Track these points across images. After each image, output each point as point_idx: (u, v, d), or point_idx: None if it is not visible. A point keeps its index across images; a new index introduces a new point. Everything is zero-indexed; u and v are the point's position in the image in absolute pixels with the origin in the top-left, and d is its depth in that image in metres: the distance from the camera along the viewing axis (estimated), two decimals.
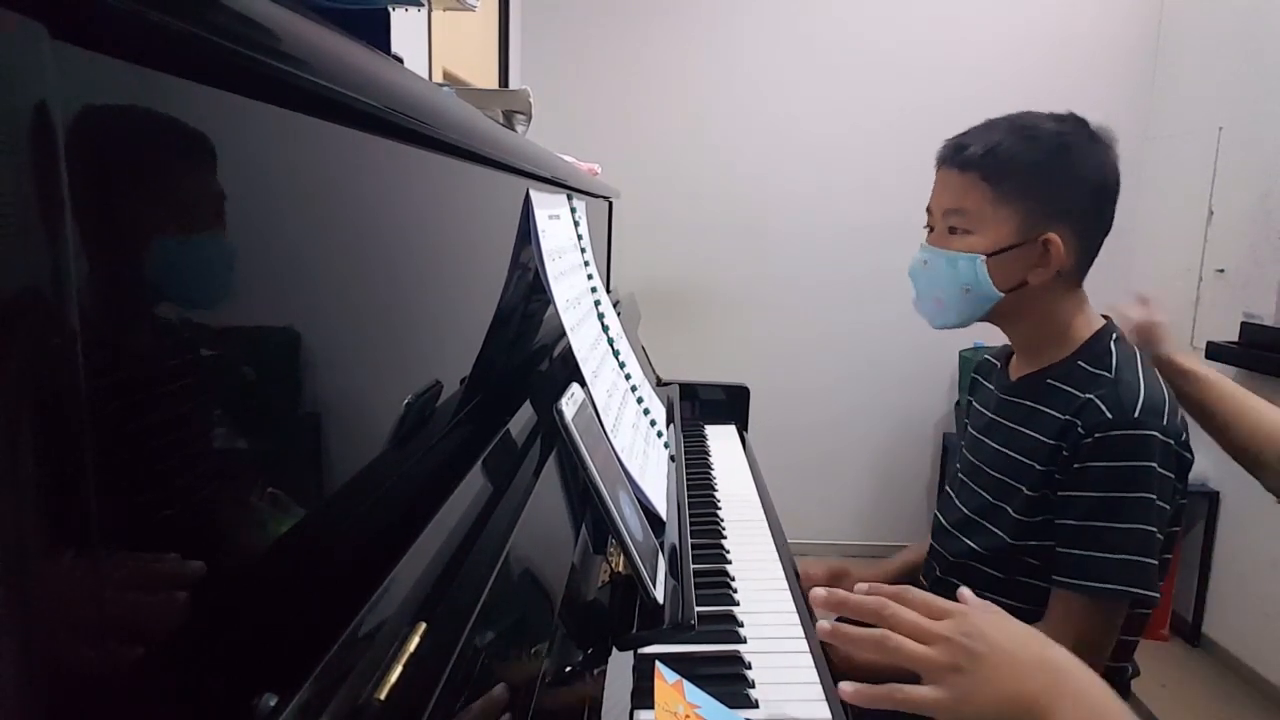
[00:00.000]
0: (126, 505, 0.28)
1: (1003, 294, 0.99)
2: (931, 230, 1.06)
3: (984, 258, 0.98)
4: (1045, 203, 0.97)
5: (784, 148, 2.89)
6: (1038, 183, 0.96)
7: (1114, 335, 1.01)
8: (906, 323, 2.89)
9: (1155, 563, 0.91)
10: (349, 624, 0.39)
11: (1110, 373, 0.96)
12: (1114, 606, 0.93)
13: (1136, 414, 0.91)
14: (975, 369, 1.26)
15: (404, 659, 0.40)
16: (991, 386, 1.16)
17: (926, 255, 1.04)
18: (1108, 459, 0.92)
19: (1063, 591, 0.93)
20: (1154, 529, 0.90)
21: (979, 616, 0.67)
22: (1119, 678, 1.02)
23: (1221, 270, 2.48)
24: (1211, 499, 2.46)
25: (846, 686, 0.67)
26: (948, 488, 1.20)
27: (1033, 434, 1.00)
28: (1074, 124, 1.00)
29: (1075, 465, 0.93)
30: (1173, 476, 0.93)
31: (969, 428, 1.19)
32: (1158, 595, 0.91)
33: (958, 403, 2.82)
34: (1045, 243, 0.97)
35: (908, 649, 0.65)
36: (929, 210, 1.06)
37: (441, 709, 0.42)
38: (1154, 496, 0.90)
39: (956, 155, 1.00)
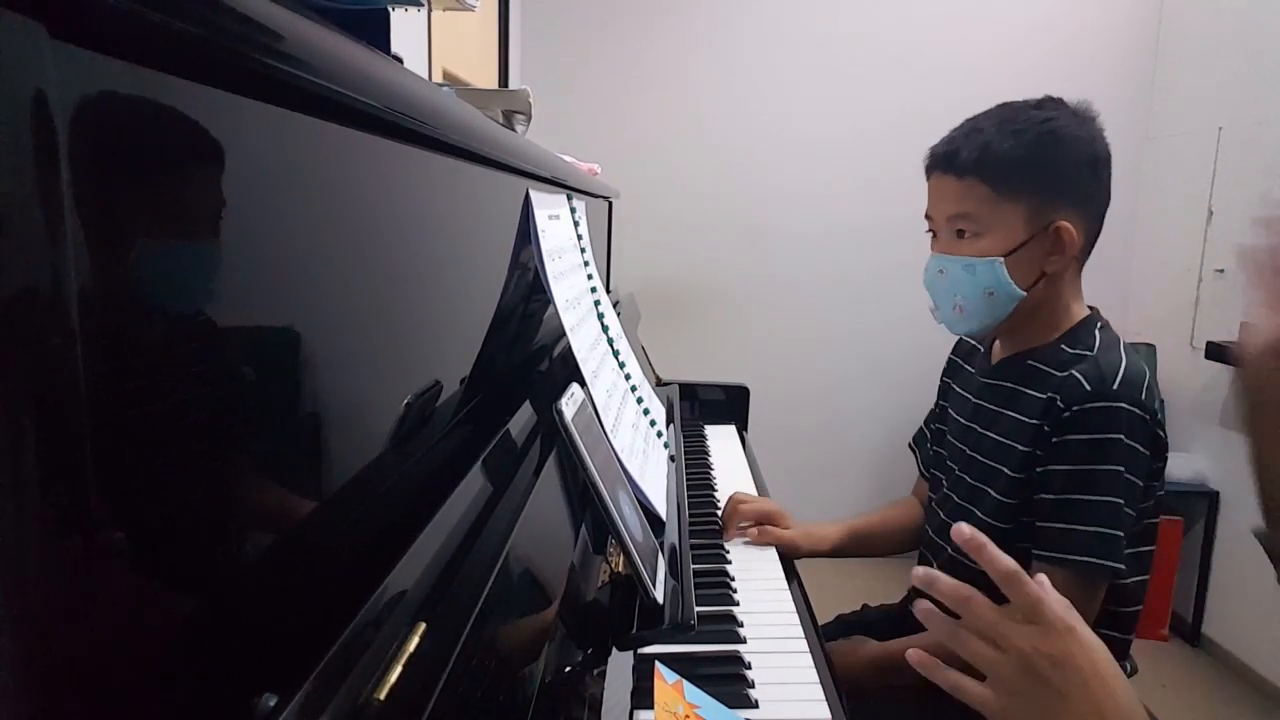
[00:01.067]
0: (126, 505, 0.28)
1: (1025, 292, 0.99)
2: (935, 236, 1.05)
3: (1002, 259, 0.98)
4: (1047, 191, 0.97)
5: (784, 147, 2.89)
6: (1035, 173, 0.96)
7: (1099, 323, 1.02)
8: (906, 323, 2.92)
9: (1122, 535, 0.91)
10: (349, 624, 0.39)
11: (1091, 351, 0.96)
12: (1094, 581, 0.93)
13: (1115, 386, 0.92)
14: (954, 349, 1.25)
15: (404, 659, 0.40)
16: (972, 370, 1.15)
17: (941, 264, 1.03)
18: (1083, 431, 0.92)
19: (1044, 566, 0.93)
20: (1121, 501, 0.91)
21: (1076, 644, 0.58)
22: None
23: (1221, 270, 2.48)
24: (1211, 499, 2.46)
25: (913, 654, 0.64)
26: (935, 471, 1.20)
27: (1015, 415, 1.00)
28: (1053, 106, 1.00)
29: (1054, 440, 0.94)
30: (1147, 453, 0.93)
31: (949, 411, 1.18)
32: (1124, 568, 0.91)
33: None
34: (1057, 230, 0.97)
35: (973, 648, 0.61)
36: (929, 217, 1.05)
37: (441, 709, 0.42)
38: (1122, 469, 0.91)
39: (950, 162, 1.00)
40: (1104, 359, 0.95)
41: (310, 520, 0.42)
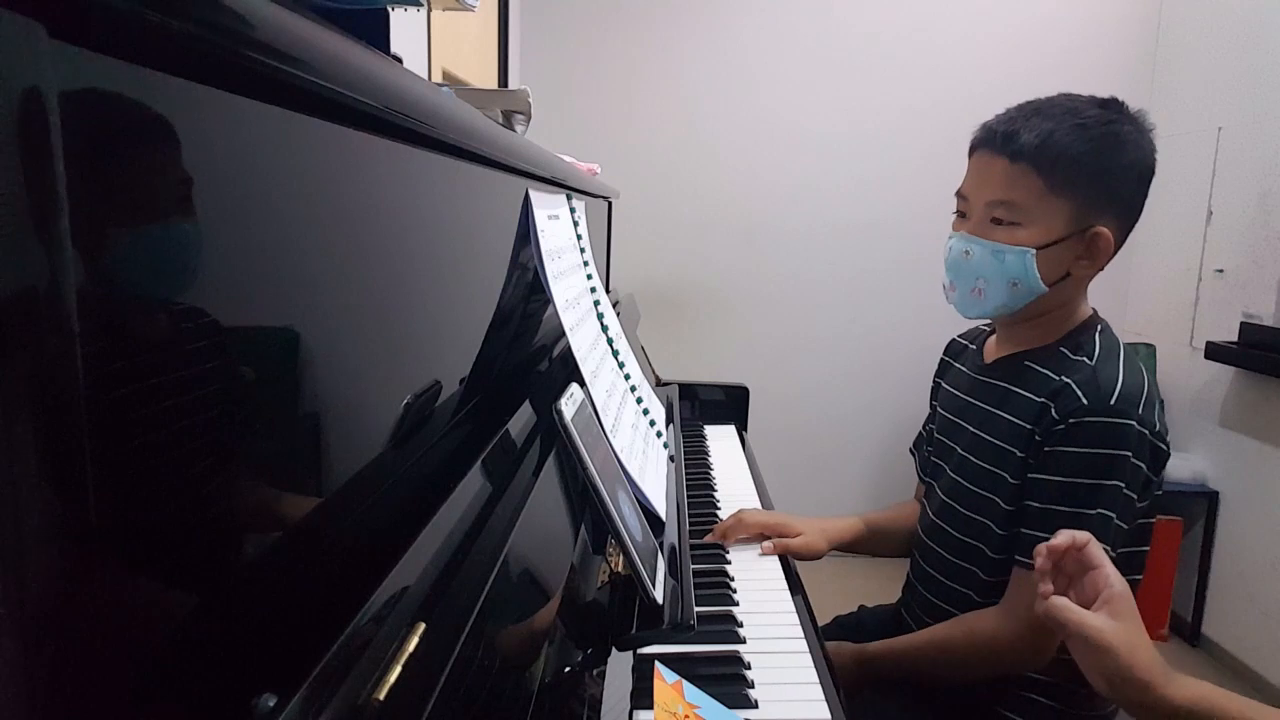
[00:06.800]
0: (126, 505, 0.28)
1: (1048, 288, 0.97)
2: (963, 216, 1.01)
3: (1034, 252, 0.95)
4: (1097, 194, 0.94)
5: (783, 147, 2.89)
6: (1090, 174, 0.94)
7: (1099, 326, 1.00)
8: (906, 322, 2.93)
9: (1110, 550, 0.90)
10: (349, 624, 0.39)
11: (1090, 359, 0.95)
12: None
13: (1113, 401, 0.90)
14: (945, 350, 1.23)
15: (403, 659, 0.40)
16: (963, 367, 1.14)
17: (968, 245, 0.99)
18: (1080, 445, 0.91)
19: (1024, 572, 0.92)
20: (1113, 515, 0.90)
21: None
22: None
23: (1221, 270, 2.48)
24: (1211, 499, 2.46)
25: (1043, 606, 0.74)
26: (925, 476, 1.19)
27: (1009, 417, 0.99)
28: (1117, 109, 0.98)
29: (1045, 449, 0.93)
30: (1144, 466, 0.92)
31: (939, 409, 1.17)
32: None
33: None
34: (1094, 235, 0.95)
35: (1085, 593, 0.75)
36: (963, 196, 1.01)
37: (441, 709, 0.42)
38: (1123, 484, 0.90)
39: (1007, 144, 0.95)
40: (1102, 370, 0.93)
41: (310, 520, 0.42)
